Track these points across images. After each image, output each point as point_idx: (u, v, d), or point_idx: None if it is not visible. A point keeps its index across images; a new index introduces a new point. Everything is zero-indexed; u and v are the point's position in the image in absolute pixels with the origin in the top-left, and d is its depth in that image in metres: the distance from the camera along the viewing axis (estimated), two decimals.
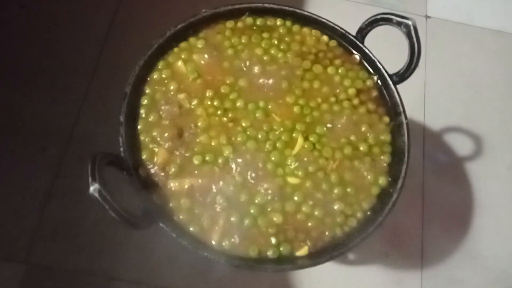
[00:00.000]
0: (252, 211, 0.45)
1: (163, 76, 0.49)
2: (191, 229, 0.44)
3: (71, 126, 0.72)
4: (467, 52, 0.86)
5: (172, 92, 0.49)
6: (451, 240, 0.72)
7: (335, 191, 0.46)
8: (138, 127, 0.47)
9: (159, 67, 0.50)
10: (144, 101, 0.48)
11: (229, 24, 0.52)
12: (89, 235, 0.66)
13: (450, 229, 0.73)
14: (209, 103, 0.48)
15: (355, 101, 0.50)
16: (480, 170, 0.76)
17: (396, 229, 0.71)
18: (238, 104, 0.49)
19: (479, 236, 0.72)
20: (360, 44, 0.52)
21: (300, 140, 0.48)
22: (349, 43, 0.53)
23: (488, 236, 0.72)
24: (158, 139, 0.47)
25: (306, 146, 0.48)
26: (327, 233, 0.45)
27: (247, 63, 0.51)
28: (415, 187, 0.74)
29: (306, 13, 0.53)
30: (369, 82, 0.52)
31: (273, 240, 0.44)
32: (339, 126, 0.49)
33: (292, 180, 0.46)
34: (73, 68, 0.76)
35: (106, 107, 0.72)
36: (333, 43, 0.53)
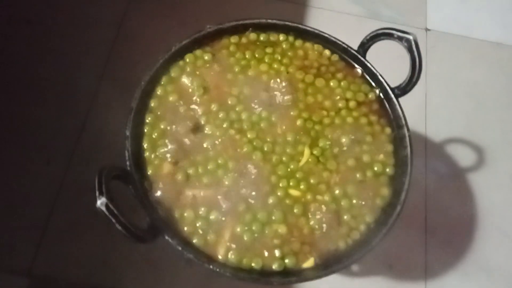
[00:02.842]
0: (257, 223, 0.45)
1: (168, 90, 0.50)
2: (196, 241, 0.44)
3: (75, 139, 0.72)
4: (467, 64, 0.87)
5: (177, 106, 0.49)
6: (455, 252, 0.72)
7: (339, 203, 0.47)
8: (144, 141, 0.48)
9: (164, 82, 0.50)
10: (150, 116, 0.49)
11: (234, 39, 0.53)
12: (92, 248, 0.66)
13: (454, 241, 0.73)
14: (214, 116, 0.49)
15: (358, 114, 0.51)
16: (482, 181, 0.77)
17: (399, 241, 0.71)
18: (243, 116, 0.49)
19: (483, 247, 0.72)
20: (362, 58, 0.53)
21: (307, 152, 0.48)
22: (351, 57, 0.53)
23: (492, 247, 0.72)
24: (164, 152, 0.47)
25: (310, 159, 0.48)
26: (331, 245, 0.45)
27: (251, 77, 0.51)
28: (418, 199, 0.74)
29: (308, 28, 0.54)
30: (371, 95, 0.52)
31: (278, 252, 0.44)
32: (342, 138, 0.49)
33: (294, 192, 0.46)
34: (78, 81, 0.77)
35: (110, 120, 0.73)
36: (335, 57, 0.54)
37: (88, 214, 0.63)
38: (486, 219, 0.74)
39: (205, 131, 0.48)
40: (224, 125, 0.49)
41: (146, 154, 0.47)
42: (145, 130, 0.48)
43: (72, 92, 0.76)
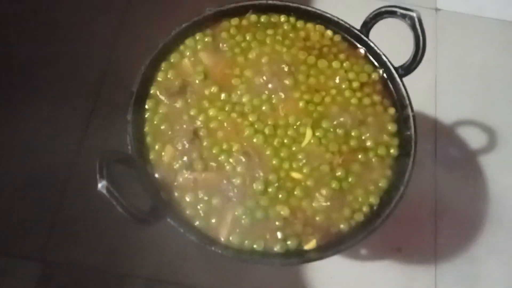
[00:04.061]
0: (259, 206, 0.45)
1: (169, 75, 0.50)
2: (198, 224, 0.45)
3: (85, 125, 0.73)
4: (478, 44, 0.85)
5: (178, 89, 0.49)
6: (465, 234, 0.71)
7: (342, 185, 0.46)
8: (146, 125, 0.48)
9: (165, 66, 0.50)
10: (151, 101, 0.49)
11: (234, 21, 0.53)
12: (104, 233, 0.67)
13: (464, 224, 0.72)
14: (215, 100, 0.49)
15: (361, 94, 0.50)
16: (493, 163, 0.75)
17: (408, 224, 0.71)
18: (244, 99, 0.49)
19: (494, 231, 0.71)
20: (365, 38, 0.52)
21: (308, 132, 0.48)
22: (353, 37, 0.53)
23: (502, 230, 0.71)
24: (166, 136, 0.47)
25: (312, 141, 0.48)
26: (334, 226, 0.45)
27: (252, 60, 0.51)
28: (427, 182, 0.73)
29: (309, 8, 0.53)
30: (374, 76, 0.51)
31: (280, 234, 0.44)
32: (345, 119, 0.49)
33: (296, 175, 0.46)
34: (85, 68, 0.78)
35: (118, 106, 0.74)
36: (337, 37, 0.53)
37: (98, 200, 0.64)
38: (496, 201, 0.73)
39: (207, 115, 0.48)
40: (226, 109, 0.49)
41: (148, 138, 0.47)
42: (147, 115, 0.48)
43: (80, 80, 0.77)
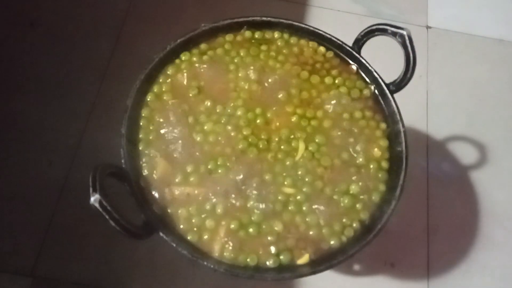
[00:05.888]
0: (253, 220, 0.45)
1: (164, 89, 0.51)
2: (191, 238, 0.44)
3: (78, 140, 0.73)
4: (469, 61, 0.86)
5: (172, 103, 0.50)
6: (458, 250, 0.71)
7: (334, 199, 0.47)
8: (140, 139, 0.48)
9: (160, 80, 0.51)
10: (145, 113, 0.49)
11: (228, 37, 0.54)
12: (95, 248, 0.67)
13: (456, 239, 0.72)
14: (209, 114, 0.49)
15: (352, 110, 0.51)
16: (485, 179, 0.76)
17: (401, 240, 0.71)
18: (238, 113, 0.49)
19: (486, 246, 0.71)
20: (357, 55, 0.52)
21: (301, 146, 0.48)
22: (346, 54, 0.53)
23: (495, 245, 0.71)
24: (159, 150, 0.47)
25: (305, 155, 0.48)
26: (326, 241, 0.45)
27: (246, 75, 0.52)
28: (420, 197, 0.74)
29: (303, 25, 0.54)
30: (366, 92, 0.52)
31: (273, 249, 0.44)
32: (337, 134, 0.49)
33: (289, 189, 0.46)
34: (80, 82, 0.78)
35: (112, 120, 0.73)
36: (330, 54, 0.54)
37: (90, 215, 0.64)
38: (489, 217, 0.73)
39: (201, 129, 0.49)
40: (220, 122, 0.49)
41: (142, 152, 0.47)
42: (141, 129, 0.49)
43: (74, 94, 0.77)
